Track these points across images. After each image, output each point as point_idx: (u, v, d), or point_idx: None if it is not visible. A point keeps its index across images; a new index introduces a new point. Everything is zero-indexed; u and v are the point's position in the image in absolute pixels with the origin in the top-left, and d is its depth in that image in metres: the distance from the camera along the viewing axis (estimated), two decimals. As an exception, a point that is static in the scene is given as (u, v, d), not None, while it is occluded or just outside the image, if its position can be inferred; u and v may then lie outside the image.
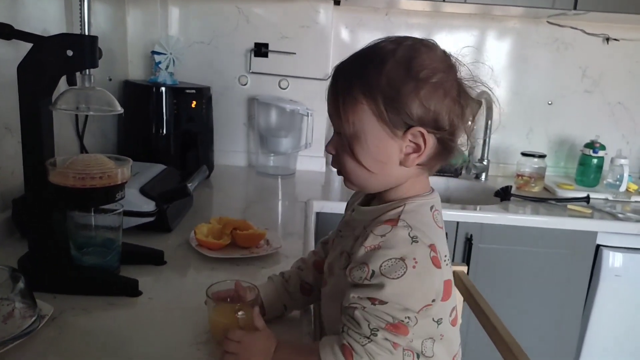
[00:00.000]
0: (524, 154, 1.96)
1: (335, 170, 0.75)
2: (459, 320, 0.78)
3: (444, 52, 0.68)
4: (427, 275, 0.63)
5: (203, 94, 1.74)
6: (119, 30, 1.77)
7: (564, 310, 1.72)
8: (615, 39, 2.04)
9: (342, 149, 0.70)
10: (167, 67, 1.71)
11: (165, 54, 1.71)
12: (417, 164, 0.68)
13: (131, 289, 0.89)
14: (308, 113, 1.82)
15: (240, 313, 0.72)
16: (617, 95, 2.10)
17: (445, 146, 0.67)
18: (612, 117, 2.12)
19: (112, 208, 0.92)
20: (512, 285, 1.70)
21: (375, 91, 0.65)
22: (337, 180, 1.92)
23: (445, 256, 0.69)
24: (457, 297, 1.03)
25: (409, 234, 0.64)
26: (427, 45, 0.67)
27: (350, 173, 0.70)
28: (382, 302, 0.62)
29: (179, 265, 1.04)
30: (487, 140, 2.03)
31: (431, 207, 0.70)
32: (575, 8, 1.71)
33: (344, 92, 0.67)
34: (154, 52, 1.72)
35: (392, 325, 0.63)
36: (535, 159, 1.92)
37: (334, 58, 2.01)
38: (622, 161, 1.87)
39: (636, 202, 1.85)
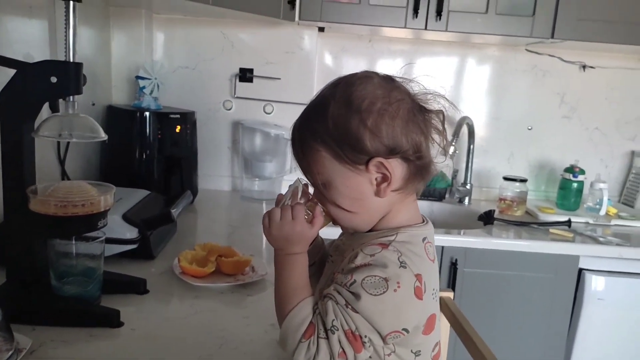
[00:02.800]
0: (505, 178, 1.98)
1: None
2: (442, 357, 0.77)
3: (382, 77, 0.69)
4: (406, 303, 0.63)
5: (187, 119, 1.73)
6: (104, 54, 1.76)
7: (549, 334, 1.73)
8: (591, 67, 2.10)
9: (322, 199, 0.71)
10: (152, 91, 1.71)
11: (149, 79, 1.71)
12: (393, 190, 0.68)
13: (113, 320, 0.86)
14: (293, 138, 1.82)
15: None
16: (595, 121, 2.16)
17: (416, 166, 0.67)
18: (591, 142, 2.17)
19: (94, 236, 0.90)
20: (497, 310, 1.71)
21: (325, 137, 0.67)
22: (322, 204, 1.92)
23: (434, 290, 0.68)
24: (441, 332, 1.03)
25: (398, 258, 0.64)
26: (362, 77, 0.68)
27: (338, 219, 0.71)
28: (354, 310, 0.62)
29: (162, 294, 1.02)
30: (470, 164, 2.06)
31: (423, 239, 0.69)
32: (552, 37, 1.77)
33: (302, 146, 0.69)
34: (138, 77, 1.72)
35: (352, 334, 0.62)
36: (517, 183, 1.95)
37: (319, 83, 2.03)
38: (602, 185, 1.90)
39: (616, 225, 1.88)
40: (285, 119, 1.96)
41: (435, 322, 0.69)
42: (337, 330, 0.62)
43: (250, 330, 0.90)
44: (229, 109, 1.98)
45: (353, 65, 2.07)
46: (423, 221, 0.73)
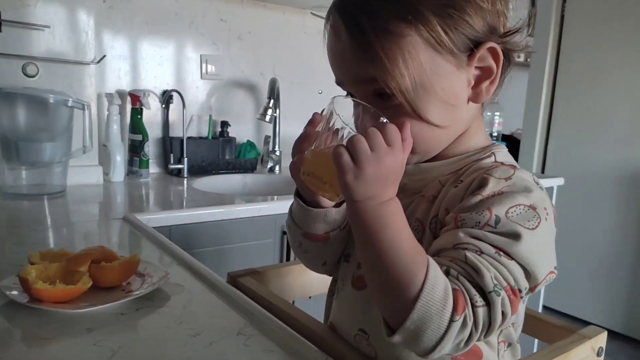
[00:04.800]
0: (317, 141, 1.96)
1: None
2: None
3: None
4: (554, 233, 0.49)
5: None
6: None
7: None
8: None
9: (391, 114, 0.49)
10: None
11: None
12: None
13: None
14: (84, 105, 1.36)
15: None
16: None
17: (509, 58, 0.54)
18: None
19: None
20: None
21: (422, 10, 0.47)
22: (121, 193, 1.51)
23: None
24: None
25: (533, 179, 0.49)
26: None
27: (415, 139, 0.50)
28: (510, 257, 0.45)
29: (27, 342, 0.59)
30: (278, 130, 1.95)
31: None
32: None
33: (377, 31, 0.48)
34: None
35: (511, 290, 0.46)
36: (329, 144, 1.94)
37: (106, 36, 1.58)
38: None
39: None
40: (57, 83, 1.45)
41: None
42: (501, 290, 0.44)
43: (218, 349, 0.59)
44: (-37, 71, 1.35)
45: (129, 21, 1.68)
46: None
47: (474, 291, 0.44)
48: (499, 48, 0.51)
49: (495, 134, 2.07)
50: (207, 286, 0.77)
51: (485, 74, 0.52)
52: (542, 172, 2.96)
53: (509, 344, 0.51)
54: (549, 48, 2.85)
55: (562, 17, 2.83)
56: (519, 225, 0.46)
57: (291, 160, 0.56)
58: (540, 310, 2.31)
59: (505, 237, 0.46)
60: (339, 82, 0.56)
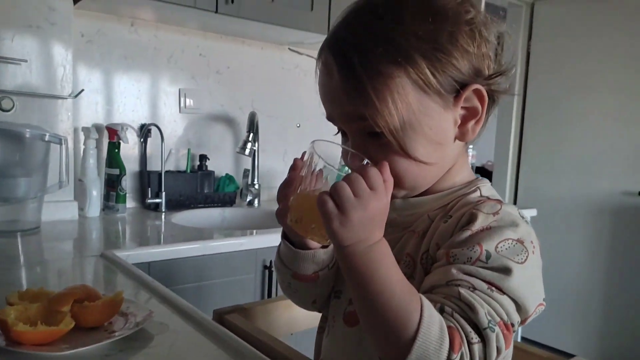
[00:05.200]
0: (296, 174, 1.96)
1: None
2: None
3: None
4: (540, 265, 0.50)
5: None
6: None
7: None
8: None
9: (381, 151, 0.51)
10: None
11: None
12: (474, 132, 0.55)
13: None
14: (61, 140, 1.34)
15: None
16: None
17: (493, 99, 0.56)
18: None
19: None
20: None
21: (412, 53, 0.49)
22: (97, 229, 1.48)
23: None
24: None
25: (518, 213, 0.50)
26: None
27: (403, 177, 0.52)
28: (501, 292, 0.46)
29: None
30: (257, 163, 1.96)
31: None
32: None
33: (368, 72, 0.49)
34: None
35: (505, 325, 0.46)
36: (308, 177, 1.95)
37: (78, 69, 1.58)
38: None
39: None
40: (33, 117, 1.42)
41: None
42: (495, 325, 0.44)
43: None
44: None
45: (107, 55, 1.69)
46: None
47: (469, 328, 0.45)
48: (484, 90, 0.53)
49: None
50: (192, 324, 0.75)
51: (471, 114, 0.54)
52: (515, 203, 3.03)
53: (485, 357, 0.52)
54: (516, 82, 2.96)
55: (528, 54, 2.96)
56: (509, 260, 0.47)
57: (277, 207, 0.56)
58: (519, 340, 2.33)
59: (497, 272, 0.47)
60: (329, 118, 0.57)
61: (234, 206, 1.91)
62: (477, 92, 0.53)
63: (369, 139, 0.53)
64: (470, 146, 2.27)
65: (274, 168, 2.13)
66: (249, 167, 1.95)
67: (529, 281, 0.48)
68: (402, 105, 0.50)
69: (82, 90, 1.53)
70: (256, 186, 1.94)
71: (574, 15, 2.74)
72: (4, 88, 1.38)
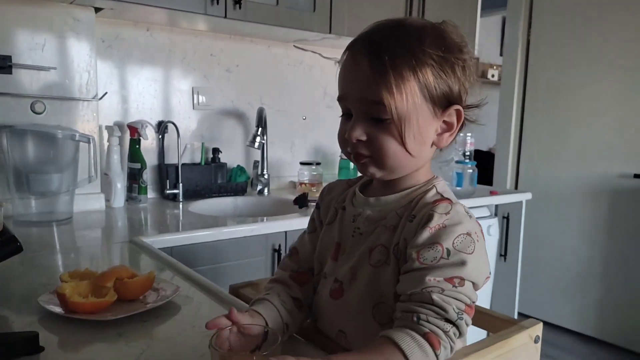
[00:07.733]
0: (302, 163, 2.10)
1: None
2: None
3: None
4: (484, 248, 0.64)
5: None
6: None
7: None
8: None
9: (380, 133, 0.65)
10: None
11: None
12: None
13: None
14: (89, 139, 1.49)
15: None
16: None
17: (463, 120, 0.69)
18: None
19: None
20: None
21: (426, 65, 0.63)
22: (122, 218, 1.64)
23: None
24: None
25: (464, 209, 0.64)
26: (450, 24, 0.69)
27: (390, 157, 0.65)
28: (462, 282, 0.60)
29: (67, 346, 0.72)
30: (266, 154, 2.10)
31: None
32: (330, 32, 1.96)
33: (394, 70, 0.62)
34: None
35: (468, 307, 0.61)
36: (313, 166, 2.09)
37: (101, 75, 1.72)
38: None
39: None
40: (63, 119, 1.58)
41: None
42: (463, 314, 0.59)
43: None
44: (-22, 110, 1.47)
45: (126, 58, 1.83)
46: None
47: (442, 323, 0.58)
48: (462, 111, 0.67)
49: (468, 153, 2.25)
50: (212, 297, 0.90)
51: (448, 127, 0.68)
52: (516, 187, 3.15)
53: (460, 334, 0.66)
54: (517, 70, 3.05)
55: (528, 41, 3.04)
56: (463, 254, 0.61)
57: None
58: (515, 316, 2.46)
59: (456, 265, 0.60)
60: (341, 98, 0.68)
61: (245, 195, 2.06)
62: (458, 112, 0.67)
63: (371, 122, 0.65)
64: (469, 134, 2.39)
65: (282, 159, 2.27)
66: (259, 158, 2.09)
67: (478, 265, 0.62)
68: (410, 100, 0.63)
69: (106, 93, 1.68)
70: (265, 176, 2.08)
71: (574, 1, 2.81)
72: (36, 93, 1.54)
